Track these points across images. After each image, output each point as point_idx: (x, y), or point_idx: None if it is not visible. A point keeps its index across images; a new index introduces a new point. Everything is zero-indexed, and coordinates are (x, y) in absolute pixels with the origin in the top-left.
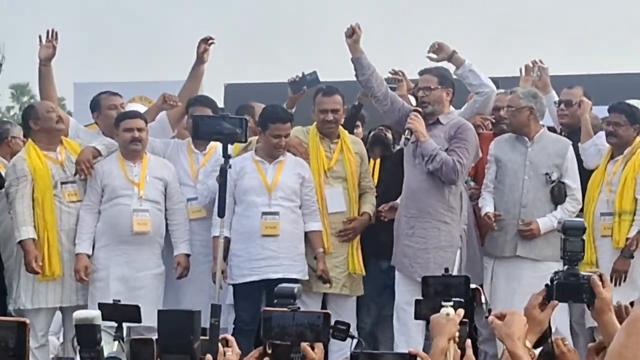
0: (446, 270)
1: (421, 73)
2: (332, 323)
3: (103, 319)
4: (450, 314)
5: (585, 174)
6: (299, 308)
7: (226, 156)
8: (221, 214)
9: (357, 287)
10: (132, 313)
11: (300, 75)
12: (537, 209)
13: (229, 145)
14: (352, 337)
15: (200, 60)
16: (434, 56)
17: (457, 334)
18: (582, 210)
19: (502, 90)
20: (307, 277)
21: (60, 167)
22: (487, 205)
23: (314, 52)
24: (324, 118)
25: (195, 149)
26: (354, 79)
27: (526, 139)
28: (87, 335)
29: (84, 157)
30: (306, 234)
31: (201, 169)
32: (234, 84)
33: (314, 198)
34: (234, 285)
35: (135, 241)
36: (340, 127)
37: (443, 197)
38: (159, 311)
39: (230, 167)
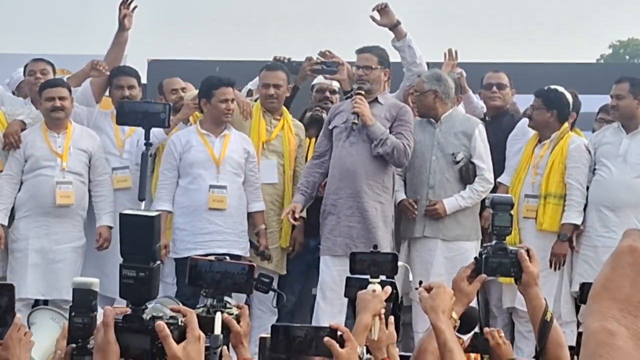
0: (375, 247)
1: (360, 51)
2: (256, 276)
3: None
4: (376, 291)
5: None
6: (225, 258)
7: (148, 143)
8: (142, 197)
9: (282, 266)
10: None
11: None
12: (445, 190)
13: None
14: (275, 291)
15: (121, 26)
16: (377, 18)
17: (382, 310)
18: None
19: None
20: (248, 255)
21: None
22: (400, 192)
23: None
24: (266, 92)
25: None
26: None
27: (433, 120)
28: (83, 300)
29: (12, 129)
30: (249, 213)
31: (127, 138)
32: (158, 60)
33: (257, 175)
34: (176, 259)
35: (57, 213)
36: (284, 108)
37: (381, 177)
38: (121, 214)
39: (151, 155)
